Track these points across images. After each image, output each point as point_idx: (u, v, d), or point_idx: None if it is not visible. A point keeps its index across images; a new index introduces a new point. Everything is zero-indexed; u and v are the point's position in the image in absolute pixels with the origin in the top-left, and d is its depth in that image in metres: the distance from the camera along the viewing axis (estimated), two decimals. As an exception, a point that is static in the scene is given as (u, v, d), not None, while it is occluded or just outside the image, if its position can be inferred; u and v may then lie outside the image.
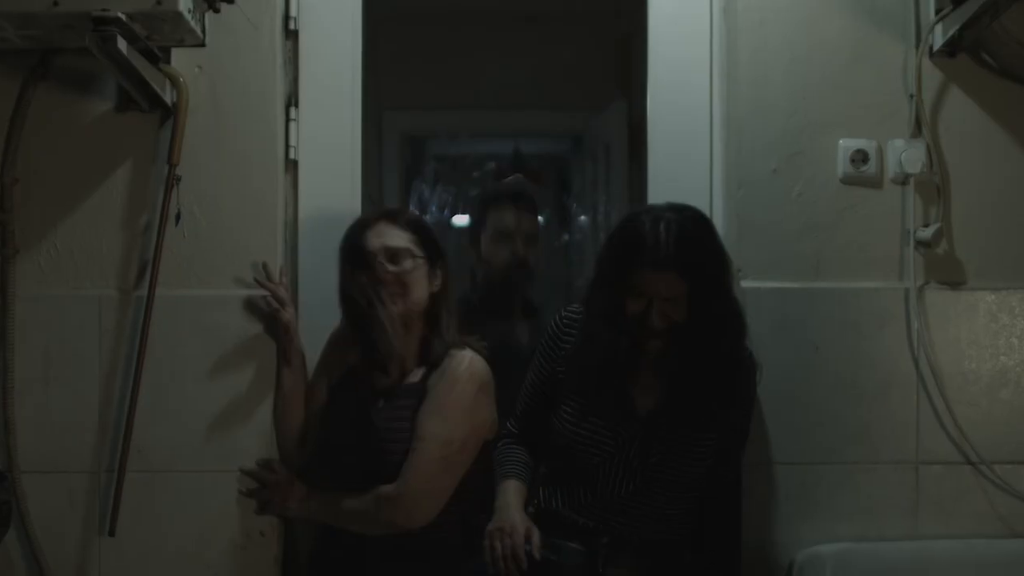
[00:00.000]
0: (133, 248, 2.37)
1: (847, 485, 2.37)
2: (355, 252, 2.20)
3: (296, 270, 2.46)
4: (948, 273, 2.40)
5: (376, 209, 2.26)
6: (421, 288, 2.19)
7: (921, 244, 2.38)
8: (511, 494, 2.22)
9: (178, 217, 2.34)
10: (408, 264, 2.16)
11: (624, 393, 2.15)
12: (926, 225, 2.40)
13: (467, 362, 2.16)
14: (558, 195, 5.75)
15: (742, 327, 2.14)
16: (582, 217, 4.95)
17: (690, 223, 2.09)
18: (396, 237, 2.19)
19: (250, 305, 2.37)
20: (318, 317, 2.37)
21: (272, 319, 2.32)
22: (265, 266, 2.34)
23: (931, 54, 2.39)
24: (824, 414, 2.38)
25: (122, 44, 2.10)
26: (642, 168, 3.53)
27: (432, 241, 2.22)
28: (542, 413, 2.27)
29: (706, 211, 2.35)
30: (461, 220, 4.98)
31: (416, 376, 2.21)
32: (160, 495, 2.35)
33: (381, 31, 3.98)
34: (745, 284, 2.37)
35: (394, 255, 2.16)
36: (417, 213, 2.29)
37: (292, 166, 2.46)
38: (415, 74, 4.27)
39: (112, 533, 2.31)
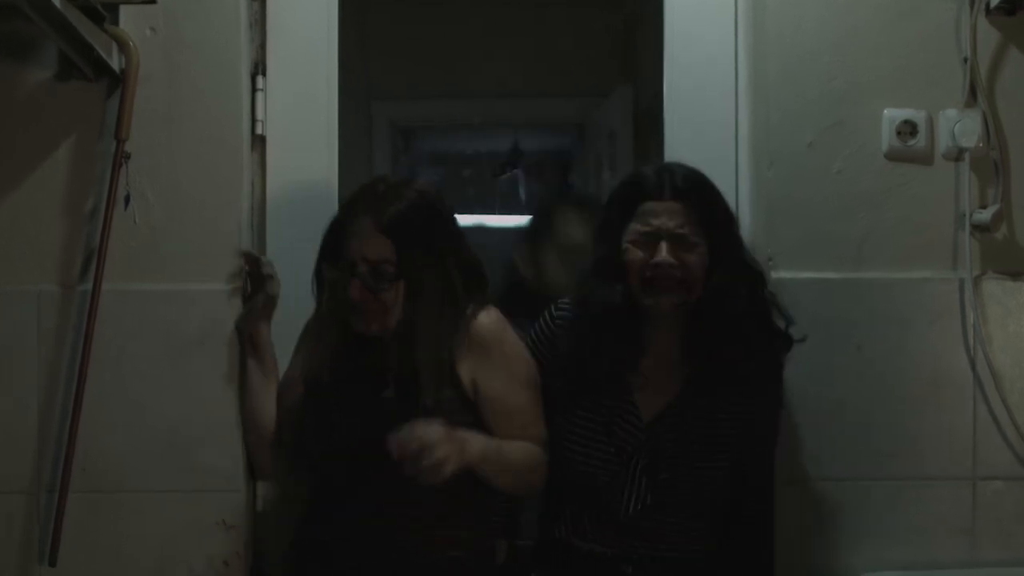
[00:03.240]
0: (77, 237, 2.22)
1: (894, 504, 2.24)
2: (333, 251, 2.01)
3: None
4: (1008, 261, 2.28)
5: (364, 196, 2.01)
6: (401, 302, 1.98)
7: (977, 228, 2.26)
8: None
9: (127, 200, 2.20)
10: (386, 286, 1.96)
11: (626, 388, 2.04)
12: (983, 207, 2.26)
13: (491, 315, 2.00)
14: (560, 191, 5.84)
15: (762, 278, 2.09)
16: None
17: (695, 170, 2.05)
18: (379, 248, 1.95)
19: (211, 300, 2.22)
20: (289, 312, 2.19)
21: (250, 297, 2.20)
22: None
23: (987, 11, 2.24)
24: (868, 423, 2.24)
25: (56, -2, 1.94)
26: (649, 157, 3.56)
27: (416, 258, 1.97)
28: None
29: (732, 192, 2.27)
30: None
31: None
32: (108, 519, 2.21)
33: (370, 14, 4.06)
34: (777, 275, 2.23)
35: (376, 274, 1.96)
36: (409, 215, 1.97)
37: (259, 142, 2.32)
38: (406, 61, 4.26)
39: (53, 563, 2.15)
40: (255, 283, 2.19)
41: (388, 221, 1.94)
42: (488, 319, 2.00)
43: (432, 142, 5.48)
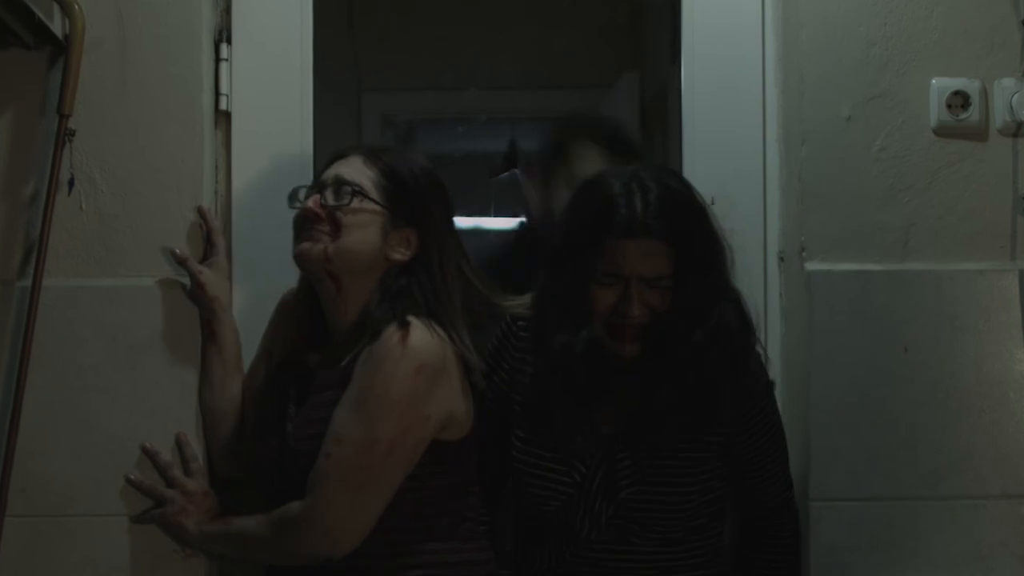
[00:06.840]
0: (15, 226, 2.12)
1: (946, 526, 2.14)
2: (314, 180, 1.97)
3: (229, 249, 2.21)
4: (1073, 250, 2.20)
5: (371, 144, 2.09)
6: (362, 237, 1.89)
7: (1037, 213, 2.18)
8: None
9: (71, 183, 2.10)
10: (347, 200, 1.88)
11: (583, 411, 1.92)
12: (1044, 188, 2.17)
13: (398, 336, 1.84)
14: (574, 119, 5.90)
15: (748, 326, 1.93)
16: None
17: (673, 180, 1.90)
18: (356, 172, 1.91)
19: (167, 298, 2.10)
20: (254, 306, 2.13)
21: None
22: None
23: (1048, -33, 2.16)
24: (915, 434, 2.14)
25: (-18, -54, 1.83)
26: (655, 151, 3.53)
27: (403, 196, 1.91)
28: (498, 444, 2.06)
29: (759, 173, 2.22)
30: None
31: (345, 360, 1.92)
32: (51, 547, 2.09)
33: (363, 3, 4.06)
34: (811, 267, 2.15)
35: (340, 189, 1.90)
36: (407, 162, 1.96)
37: (224, 118, 2.23)
38: (400, 52, 4.25)
39: (-12, 597, 2.04)
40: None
41: (384, 161, 1.90)
42: (399, 330, 1.82)
43: (427, 141, 5.47)
